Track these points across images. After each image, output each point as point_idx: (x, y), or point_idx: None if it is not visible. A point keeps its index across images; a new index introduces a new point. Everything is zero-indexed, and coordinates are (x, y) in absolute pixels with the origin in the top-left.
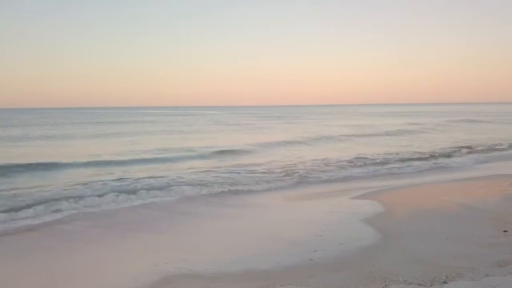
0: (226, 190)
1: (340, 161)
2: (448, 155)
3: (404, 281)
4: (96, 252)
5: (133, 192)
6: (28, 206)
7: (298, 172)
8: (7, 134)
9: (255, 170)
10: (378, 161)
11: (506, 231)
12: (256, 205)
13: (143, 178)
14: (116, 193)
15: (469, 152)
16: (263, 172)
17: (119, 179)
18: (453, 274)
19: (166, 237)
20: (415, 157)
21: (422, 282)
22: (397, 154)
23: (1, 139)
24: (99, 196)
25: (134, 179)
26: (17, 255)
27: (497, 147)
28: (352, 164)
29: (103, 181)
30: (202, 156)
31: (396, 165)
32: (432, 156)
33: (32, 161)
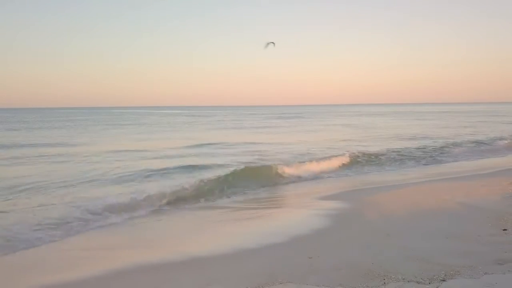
0: None
1: None
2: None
3: (403, 278)
4: None
5: None
6: None
7: None
8: None
9: None
10: None
11: (506, 229)
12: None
13: None
14: None
15: None
16: None
17: None
18: (452, 272)
19: None
20: None
21: (421, 280)
22: None
23: None
24: None
25: None
26: None
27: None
28: None
29: None
30: None
31: None
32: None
33: None
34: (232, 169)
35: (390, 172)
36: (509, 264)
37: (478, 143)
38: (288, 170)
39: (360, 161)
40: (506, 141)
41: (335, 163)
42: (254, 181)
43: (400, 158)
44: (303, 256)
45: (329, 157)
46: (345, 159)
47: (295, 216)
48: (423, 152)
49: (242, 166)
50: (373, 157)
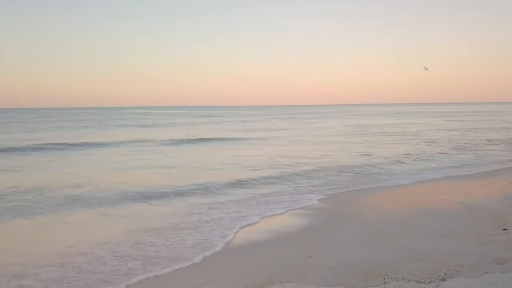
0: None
1: None
2: None
3: (403, 278)
4: None
5: None
6: None
7: None
8: None
9: None
10: None
11: (506, 229)
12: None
13: None
14: None
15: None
16: None
17: None
18: (452, 271)
19: None
20: None
21: (421, 279)
22: None
23: None
24: None
25: None
26: None
27: None
28: None
29: None
30: None
31: None
32: None
33: None
34: None
35: None
36: (509, 263)
37: None
38: None
39: None
40: None
41: None
42: None
43: None
44: (303, 255)
45: None
46: None
47: (292, 215)
48: None
49: None
50: None
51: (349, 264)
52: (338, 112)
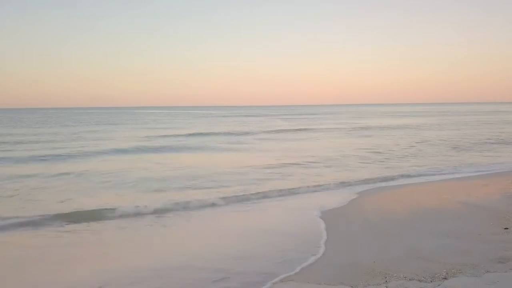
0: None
1: None
2: None
3: (405, 277)
4: None
5: None
6: None
7: None
8: None
9: None
10: None
11: (507, 228)
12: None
13: None
14: None
15: None
16: None
17: None
18: (453, 270)
19: None
20: None
21: (423, 278)
22: None
23: None
24: None
25: None
26: None
27: None
28: None
29: None
30: None
31: None
32: None
33: None
34: None
35: None
36: (510, 262)
37: None
38: None
39: None
40: None
41: None
42: None
43: None
44: (305, 255)
45: None
46: None
47: (296, 215)
48: None
49: None
50: None
51: (350, 263)
52: (340, 113)
